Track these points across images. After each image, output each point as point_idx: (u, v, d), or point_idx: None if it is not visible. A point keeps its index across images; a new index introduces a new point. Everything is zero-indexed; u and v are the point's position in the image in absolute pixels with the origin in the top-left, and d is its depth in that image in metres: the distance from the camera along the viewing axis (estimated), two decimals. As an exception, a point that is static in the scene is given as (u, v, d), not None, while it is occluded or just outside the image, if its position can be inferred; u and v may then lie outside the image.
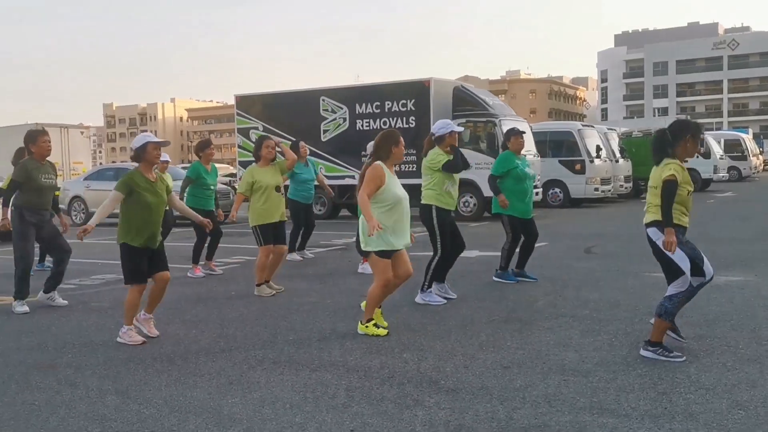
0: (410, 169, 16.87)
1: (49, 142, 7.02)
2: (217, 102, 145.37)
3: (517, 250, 7.90)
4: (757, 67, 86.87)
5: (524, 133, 8.66)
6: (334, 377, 4.46)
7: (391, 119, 17.20)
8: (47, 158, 7.03)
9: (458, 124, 16.45)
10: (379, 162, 5.69)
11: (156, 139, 5.72)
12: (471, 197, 16.79)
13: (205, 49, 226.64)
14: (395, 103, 17.15)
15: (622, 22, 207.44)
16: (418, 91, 16.86)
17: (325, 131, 18.08)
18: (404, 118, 17.03)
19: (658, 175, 4.82)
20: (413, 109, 16.91)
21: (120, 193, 5.48)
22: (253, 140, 19.38)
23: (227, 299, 7.31)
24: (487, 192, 16.17)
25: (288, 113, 18.69)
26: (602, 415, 3.66)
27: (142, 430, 3.68)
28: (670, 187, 4.70)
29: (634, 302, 6.42)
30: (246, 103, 19.52)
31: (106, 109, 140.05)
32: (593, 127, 22.21)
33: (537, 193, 16.69)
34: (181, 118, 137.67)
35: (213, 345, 5.39)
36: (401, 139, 5.84)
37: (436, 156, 6.93)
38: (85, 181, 19.11)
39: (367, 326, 5.56)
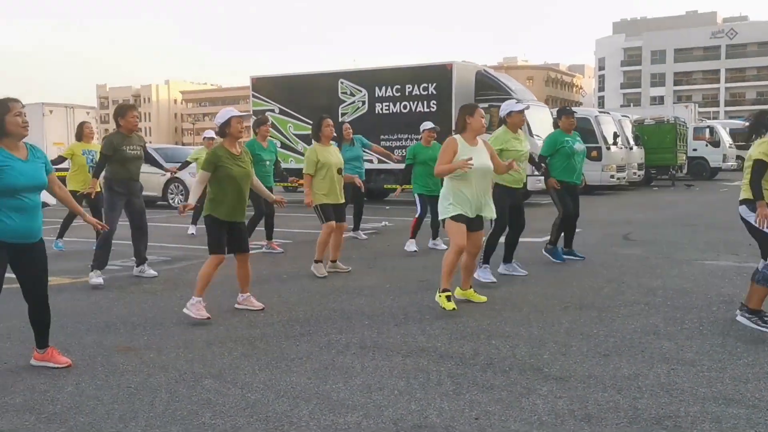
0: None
1: (138, 117, 7.32)
2: (212, 84, 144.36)
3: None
4: (754, 57, 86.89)
5: (575, 113, 8.65)
6: (431, 363, 4.35)
7: (411, 103, 17.05)
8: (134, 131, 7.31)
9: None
10: (454, 135, 5.77)
11: (239, 113, 5.65)
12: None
13: (199, 31, 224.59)
14: (416, 87, 16.99)
15: (620, 10, 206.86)
16: (439, 74, 16.70)
17: (343, 114, 17.88)
18: (425, 102, 16.89)
19: (751, 153, 4.94)
20: (434, 93, 16.76)
21: (206, 172, 5.52)
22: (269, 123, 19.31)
23: (281, 282, 7.18)
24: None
25: (305, 95, 18.49)
26: (729, 405, 3.57)
27: (254, 415, 3.56)
28: (758, 166, 4.93)
29: (702, 290, 6.33)
30: (262, 85, 19.30)
31: (100, 90, 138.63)
32: (609, 113, 22.10)
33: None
34: (175, 101, 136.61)
35: (288, 328, 5.27)
36: (478, 110, 5.73)
37: (499, 135, 6.85)
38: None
39: (440, 296, 5.57)
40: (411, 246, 8.92)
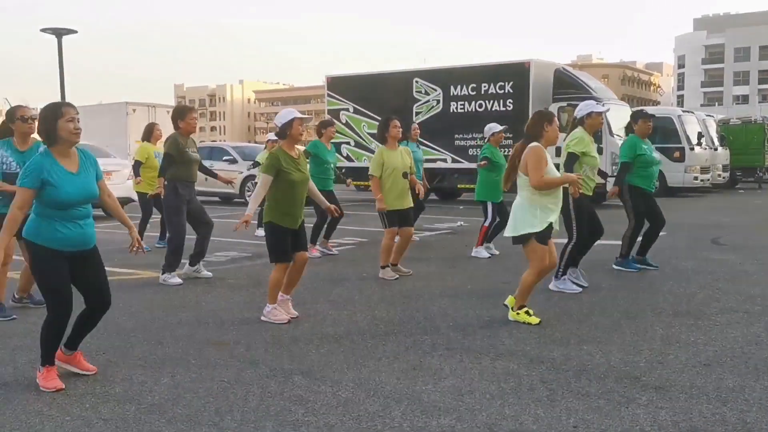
0: (507, 153, 16.48)
1: (197, 119, 7.19)
2: (284, 84, 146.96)
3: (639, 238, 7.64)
4: None
5: (653, 116, 8.21)
6: (521, 367, 4.25)
7: (487, 102, 16.85)
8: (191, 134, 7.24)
9: (558, 107, 16.23)
10: (537, 143, 5.38)
11: (301, 115, 5.54)
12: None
13: (271, 31, 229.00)
14: (492, 85, 16.77)
15: (701, 6, 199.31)
16: (516, 72, 16.44)
17: (417, 113, 17.85)
18: (501, 101, 16.66)
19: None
20: (511, 91, 16.50)
21: (269, 176, 5.40)
22: (344, 122, 19.47)
23: (361, 280, 7.19)
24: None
25: (380, 94, 18.53)
26: None
27: (347, 414, 3.55)
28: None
29: (805, 299, 5.98)
30: (337, 84, 19.46)
31: (177, 90, 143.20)
32: (693, 113, 21.26)
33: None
34: (248, 100, 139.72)
35: (372, 327, 5.26)
36: (555, 119, 5.51)
37: (574, 137, 6.57)
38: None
39: (518, 313, 5.34)
40: (481, 253, 8.62)
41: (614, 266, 7.58)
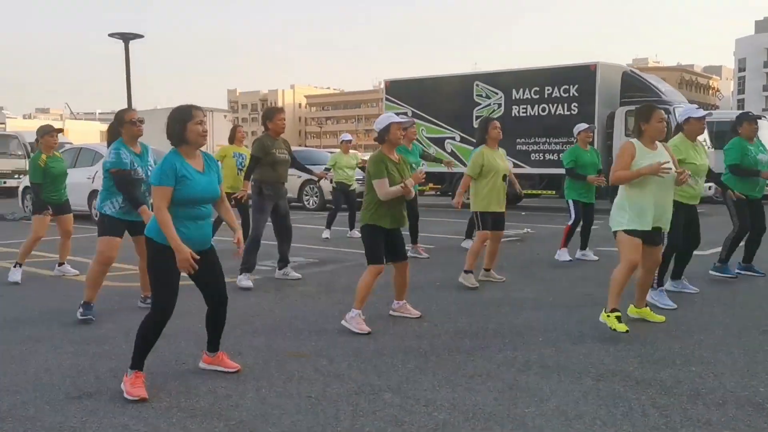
0: (554, 157, 16.08)
1: (284, 119, 7.23)
2: (334, 89, 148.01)
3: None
4: None
5: (760, 118, 7.84)
6: (627, 390, 3.93)
7: (551, 105, 16.43)
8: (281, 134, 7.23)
9: (626, 111, 15.69)
10: (632, 139, 5.23)
11: (399, 119, 5.49)
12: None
13: (323, 37, 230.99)
14: (556, 89, 16.34)
15: (763, 8, 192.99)
16: (582, 75, 15.97)
17: (477, 117, 17.50)
18: (566, 105, 16.21)
19: None
20: (576, 95, 16.05)
21: (385, 179, 5.29)
22: (401, 125, 19.27)
23: (435, 289, 6.92)
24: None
25: (439, 98, 18.30)
26: None
27: (447, 438, 3.31)
28: None
29: None
30: (396, 88, 19.29)
31: (230, 95, 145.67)
32: (764, 118, 20.34)
33: (709, 187, 15.47)
34: (300, 105, 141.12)
35: (458, 341, 5.00)
36: (656, 113, 5.19)
37: (678, 144, 6.21)
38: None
39: (609, 316, 5.05)
40: (564, 255, 8.39)
41: (711, 271, 7.33)
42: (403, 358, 4.58)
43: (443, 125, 18.20)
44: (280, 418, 3.56)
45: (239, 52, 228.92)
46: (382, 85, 19.86)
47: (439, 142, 18.14)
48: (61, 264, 7.76)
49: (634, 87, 15.85)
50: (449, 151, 17.88)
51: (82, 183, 12.62)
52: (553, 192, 16.41)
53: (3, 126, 27.39)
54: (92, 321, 5.53)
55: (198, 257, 3.86)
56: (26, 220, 14.80)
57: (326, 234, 11.14)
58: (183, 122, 3.91)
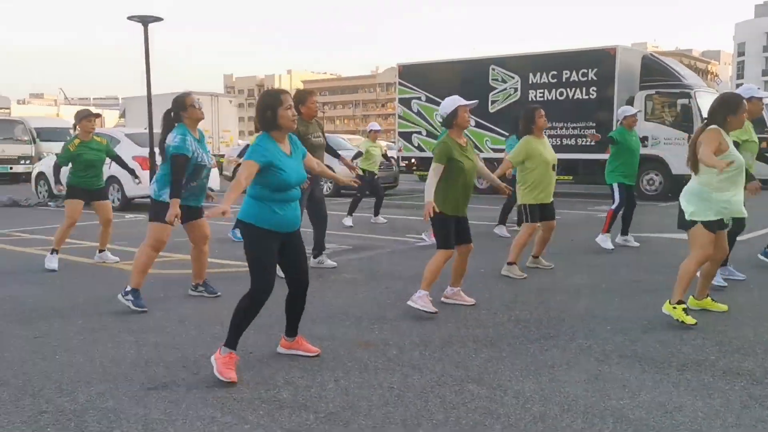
0: (589, 142, 15.94)
1: (317, 102, 7.01)
2: (331, 74, 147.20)
3: None
4: None
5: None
6: (717, 380, 3.83)
7: (568, 90, 16.27)
8: (315, 118, 7.05)
9: (646, 95, 15.55)
10: (716, 126, 4.94)
11: (465, 102, 5.34)
12: (656, 175, 15.63)
13: (315, 21, 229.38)
14: (574, 73, 16.18)
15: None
16: (601, 59, 15.81)
17: (493, 102, 17.39)
18: (584, 89, 16.05)
19: None
20: (594, 79, 15.89)
21: (441, 165, 5.24)
22: (415, 111, 19.10)
23: (482, 277, 6.78)
24: (677, 170, 15.03)
25: (454, 83, 18.03)
26: None
27: (548, 430, 3.21)
28: None
29: None
30: (409, 73, 19.10)
31: (227, 80, 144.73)
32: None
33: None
34: (296, 90, 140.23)
35: (524, 330, 4.89)
36: (742, 106, 5.02)
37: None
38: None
39: (675, 308, 4.94)
40: (606, 243, 8.26)
41: (760, 256, 7.27)
42: (475, 348, 4.48)
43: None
44: (369, 410, 3.45)
45: (235, 36, 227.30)
46: (379, 71, 19.65)
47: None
48: (101, 251, 7.61)
49: (654, 71, 15.69)
50: (464, 136, 17.73)
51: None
52: (570, 177, 16.29)
53: (8, 111, 27.03)
54: (146, 311, 5.38)
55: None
56: (41, 206, 14.66)
57: (348, 222, 10.97)
58: (274, 108, 3.91)
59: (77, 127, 7.35)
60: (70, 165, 7.30)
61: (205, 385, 3.79)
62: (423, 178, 21.16)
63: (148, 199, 12.49)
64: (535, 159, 6.71)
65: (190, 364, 4.16)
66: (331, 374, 3.98)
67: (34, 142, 23.67)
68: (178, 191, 5.34)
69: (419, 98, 18.71)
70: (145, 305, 5.40)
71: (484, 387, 3.76)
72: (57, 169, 7.41)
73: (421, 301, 5.25)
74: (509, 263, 6.85)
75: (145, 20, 12.16)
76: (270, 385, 3.81)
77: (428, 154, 18.37)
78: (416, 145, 18.93)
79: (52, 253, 7.19)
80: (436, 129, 18.46)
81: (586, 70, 15.97)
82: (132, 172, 7.72)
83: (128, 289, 5.47)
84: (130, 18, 12.08)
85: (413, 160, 19.51)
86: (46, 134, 24.61)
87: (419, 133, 18.79)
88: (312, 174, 6.97)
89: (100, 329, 4.94)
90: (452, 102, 5.36)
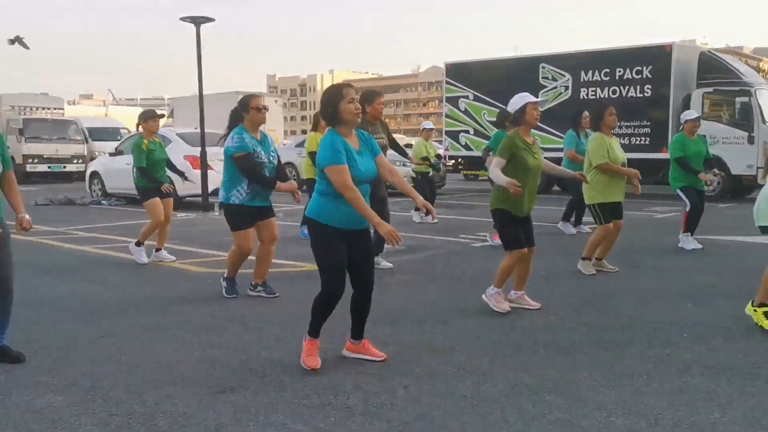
0: (643, 141, 15.55)
1: (382, 104, 6.95)
2: (372, 73, 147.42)
3: None
4: None
5: None
6: (813, 394, 3.60)
7: (622, 87, 15.87)
8: (378, 119, 6.96)
9: (703, 93, 15.08)
10: None
11: (534, 99, 5.21)
12: (714, 174, 15.10)
13: (362, 21, 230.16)
14: (628, 70, 15.76)
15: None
16: (657, 56, 15.38)
17: (543, 100, 17.04)
18: (638, 87, 15.63)
19: None
20: (649, 76, 15.46)
21: (503, 159, 5.09)
22: (462, 109, 18.88)
23: (546, 279, 6.55)
24: (736, 170, 14.55)
25: (502, 81, 17.79)
26: None
27: (638, 447, 3.03)
28: None
29: None
30: (457, 71, 18.90)
31: (270, 79, 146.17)
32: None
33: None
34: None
35: (595, 335, 4.70)
36: None
37: None
38: (297, 148, 19.38)
39: (756, 311, 4.77)
40: (689, 243, 8.03)
41: None
42: (546, 355, 4.31)
43: (501, 107, 17.76)
44: (445, 420, 3.32)
45: (278, 36, 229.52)
46: (421, 70, 19.49)
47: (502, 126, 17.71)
48: (158, 250, 7.65)
49: (712, 68, 15.17)
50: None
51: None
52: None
53: (61, 111, 27.63)
54: (235, 297, 5.71)
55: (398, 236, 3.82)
56: (95, 204, 14.91)
57: (417, 218, 11.07)
58: (335, 102, 3.83)
59: (141, 126, 7.39)
60: (133, 168, 7.35)
61: (272, 390, 3.71)
62: (469, 178, 21.05)
63: (199, 198, 12.57)
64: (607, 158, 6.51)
65: (256, 367, 4.09)
66: (399, 380, 3.86)
67: (87, 142, 24.17)
68: (264, 180, 5.47)
69: (467, 97, 18.49)
70: (235, 294, 5.85)
71: (562, 397, 3.60)
72: (145, 172, 7.29)
73: (493, 299, 5.24)
74: (582, 258, 6.77)
75: (197, 21, 12.24)
76: (339, 390, 3.71)
77: (476, 153, 18.12)
78: (463, 144, 18.72)
79: (137, 245, 7.44)
80: (483, 128, 18.24)
81: (640, 68, 15.54)
82: (181, 174, 7.84)
83: (224, 275, 5.94)
84: (182, 19, 12.18)
85: (460, 159, 19.31)
86: (97, 134, 25.17)
87: (467, 132, 18.58)
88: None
89: (163, 329, 4.91)
90: (520, 99, 5.23)
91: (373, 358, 4.17)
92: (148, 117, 7.32)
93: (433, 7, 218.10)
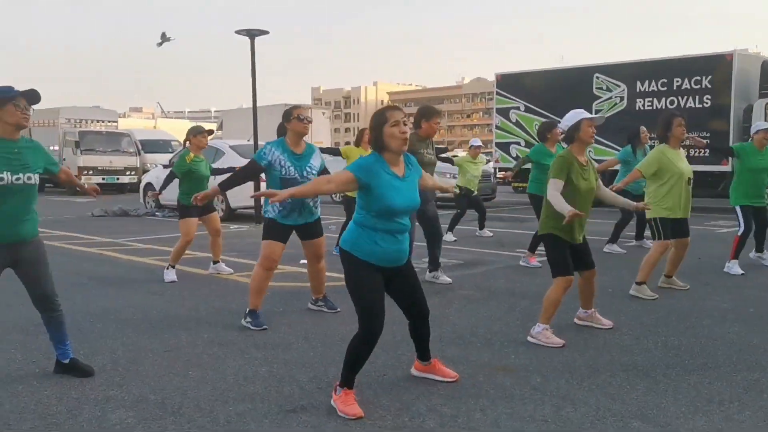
0: (702, 153, 15.08)
1: (439, 123, 6.81)
2: (416, 85, 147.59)
3: None
4: None
5: None
6: None
7: (680, 98, 15.44)
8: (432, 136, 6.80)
9: (766, 104, 14.55)
10: None
11: (589, 115, 4.95)
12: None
13: (404, 33, 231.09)
14: (686, 80, 15.34)
15: None
16: (716, 65, 14.93)
17: (597, 111, 16.69)
18: (697, 97, 15.19)
19: None
20: (708, 86, 15.01)
21: (560, 180, 4.80)
22: (513, 120, 18.65)
23: (612, 296, 6.33)
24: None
25: (555, 92, 17.55)
26: None
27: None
28: None
29: None
30: (508, 82, 18.68)
31: (314, 92, 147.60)
32: None
33: None
34: (382, 102, 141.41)
35: (676, 359, 4.46)
36: None
37: None
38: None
39: None
40: (735, 269, 7.46)
41: None
42: (626, 377, 4.10)
43: (559, 120, 17.43)
44: (528, 446, 3.17)
45: (322, 49, 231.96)
46: (465, 81, 19.30)
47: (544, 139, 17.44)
48: (215, 262, 7.65)
49: (777, 77, 14.66)
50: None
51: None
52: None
53: (115, 124, 28.28)
54: (266, 329, 5.26)
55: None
56: (149, 215, 15.14)
57: (450, 237, 10.60)
58: (380, 127, 3.55)
59: (190, 141, 7.39)
60: (179, 182, 7.33)
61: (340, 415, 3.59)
62: (518, 190, 20.72)
63: (252, 210, 12.59)
64: (668, 171, 6.20)
65: (324, 385, 3.98)
66: (475, 402, 3.71)
67: (139, 154, 24.66)
68: (227, 183, 5.39)
69: (518, 108, 18.26)
70: (265, 323, 5.27)
71: (651, 424, 3.40)
72: (171, 178, 7.47)
73: (542, 336, 4.82)
74: (638, 282, 6.39)
75: (252, 34, 12.34)
76: (413, 412, 3.58)
77: (527, 165, 17.84)
78: (514, 156, 18.44)
79: (168, 268, 7.25)
80: (535, 139, 17.95)
81: (699, 77, 15.12)
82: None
83: (247, 311, 5.35)
84: (237, 32, 12.29)
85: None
86: (149, 146, 25.67)
87: (517, 143, 18.33)
88: (426, 193, 6.80)
89: (227, 344, 4.86)
90: (575, 114, 4.95)
91: (445, 379, 4.02)
92: (197, 132, 7.32)
93: (478, 18, 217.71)
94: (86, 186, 4.65)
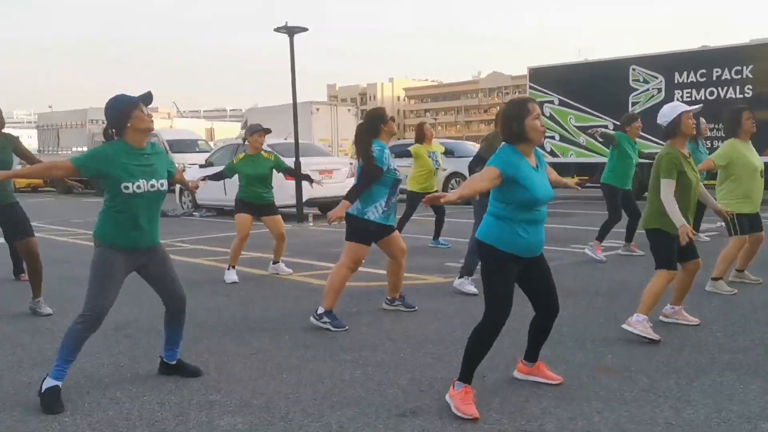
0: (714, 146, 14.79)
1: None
2: (432, 81, 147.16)
3: None
4: None
5: None
6: None
7: (720, 88, 15.19)
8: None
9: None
10: None
11: (688, 107, 4.85)
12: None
13: (420, 29, 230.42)
14: (726, 70, 15.08)
15: None
16: (758, 55, 14.69)
17: (634, 104, 16.50)
18: (738, 87, 14.94)
19: None
20: (750, 76, 14.75)
21: (672, 180, 4.72)
22: (548, 115, 18.44)
23: (704, 290, 6.19)
24: None
25: (589, 85, 17.36)
26: None
27: None
28: None
29: None
30: (540, 76, 18.49)
31: (330, 89, 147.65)
32: None
33: None
34: (398, 98, 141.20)
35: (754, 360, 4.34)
36: None
37: None
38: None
39: None
40: None
41: None
42: (736, 377, 3.97)
43: (594, 113, 17.28)
44: (661, 451, 3.05)
45: (337, 45, 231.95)
46: (481, 76, 19.14)
47: (587, 131, 17.24)
48: (275, 262, 7.59)
49: (822, 66, 14.38)
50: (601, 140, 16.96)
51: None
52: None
53: (143, 125, 28.26)
54: (347, 329, 5.17)
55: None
56: (186, 216, 15.13)
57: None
58: (520, 119, 3.53)
59: (247, 140, 7.36)
60: (236, 178, 7.34)
61: (455, 413, 3.50)
62: (553, 185, 20.50)
63: (294, 209, 12.47)
64: (740, 165, 6.06)
65: (426, 387, 3.90)
66: (588, 405, 3.60)
67: (167, 154, 24.71)
68: (355, 196, 5.17)
69: (552, 102, 18.06)
70: (345, 324, 5.20)
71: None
72: (220, 177, 7.51)
73: (640, 326, 4.72)
74: (714, 278, 6.25)
75: (292, 31, 12.27)
76: (528, 415, 3.48)
77: (562, 159, 17.71)
78: (549, 150, 18.26)
79: (229, 269, 7.20)
80: (570, 133, 17.81)
81: (740, 67, 14.86)
82: (307, 177, 7.85)
83: (321, 311, 5.22)
84: (277, 30, 12.22)
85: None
86: (177, 146, 25.71)
87: (552, 138, 18.13)
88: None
89: (311, 346, 4.78)
90: (673, 109, 4.85)
91: (549, 381, 3.93)
92: (254, 132, 7.28)
93: (493, 11, 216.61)
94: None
